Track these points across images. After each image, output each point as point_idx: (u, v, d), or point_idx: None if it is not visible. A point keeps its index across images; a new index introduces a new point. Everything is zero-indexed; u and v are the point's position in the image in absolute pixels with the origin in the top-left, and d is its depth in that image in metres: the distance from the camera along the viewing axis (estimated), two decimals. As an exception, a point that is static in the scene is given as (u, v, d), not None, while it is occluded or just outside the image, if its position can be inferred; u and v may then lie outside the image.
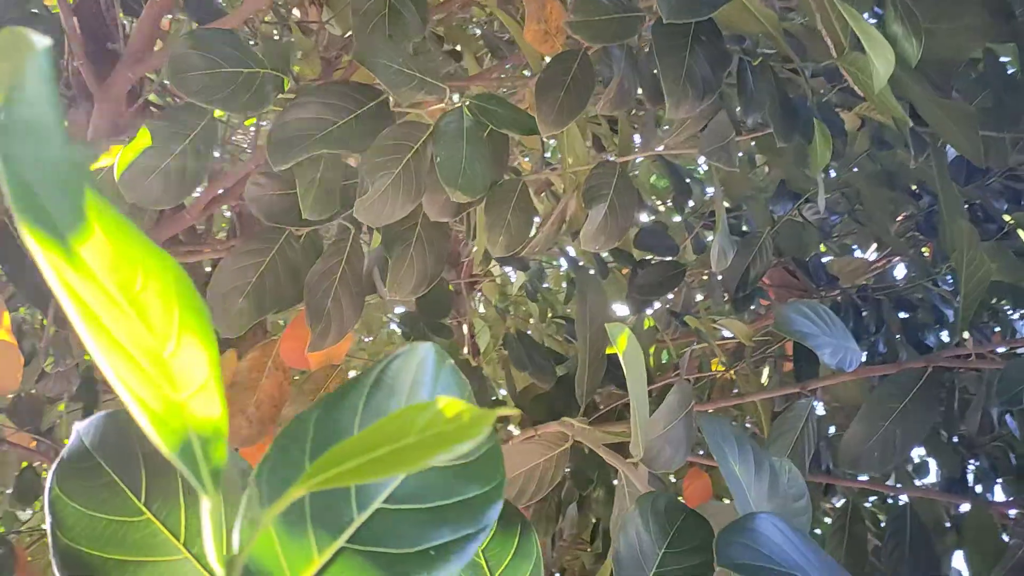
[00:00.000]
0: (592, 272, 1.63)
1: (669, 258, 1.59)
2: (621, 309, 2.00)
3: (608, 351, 1.15)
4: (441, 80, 0.84)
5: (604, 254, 1.71)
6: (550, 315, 2.64)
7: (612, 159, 0.99)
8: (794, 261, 1.29)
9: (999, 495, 1.46)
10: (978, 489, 1.36)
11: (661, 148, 0.97)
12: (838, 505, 1.17)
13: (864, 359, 1.22)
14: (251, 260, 1.09)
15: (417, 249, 1.03)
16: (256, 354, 1.29)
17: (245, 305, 1.08)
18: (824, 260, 1.37)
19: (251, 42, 1.18)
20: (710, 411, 1.31)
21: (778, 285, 1.42)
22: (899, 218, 1.59)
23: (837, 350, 0.83)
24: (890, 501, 1.55)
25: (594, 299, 1.10)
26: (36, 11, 1.01)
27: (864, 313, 1.20)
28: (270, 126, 0.86)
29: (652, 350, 1.67)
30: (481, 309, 2.57)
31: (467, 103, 0.85)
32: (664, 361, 1.92)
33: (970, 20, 0.74)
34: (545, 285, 2.54)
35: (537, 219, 1.08)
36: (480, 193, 0.79)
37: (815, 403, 0.94)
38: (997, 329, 1.30)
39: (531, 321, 2.53)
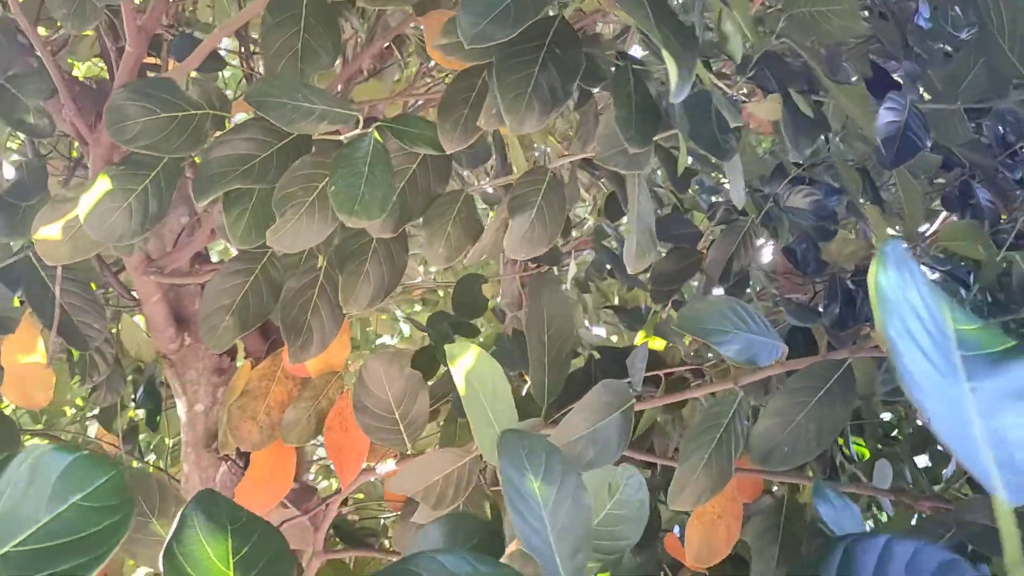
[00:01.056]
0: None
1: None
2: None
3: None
4: (348, 107, 0.89)
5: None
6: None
7: (547, 166, 1.00)
8: (784, 249, 1.23)
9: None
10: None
11: (591, 152, 0.97)
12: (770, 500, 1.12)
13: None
14: (236, 280, 1.19)
15: (373, 263, 1.08)
16: (267, 363, 1.39)
17: (230, 322, 1.17)
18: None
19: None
20: (659, 407, 1.28)
21: (783, 273, 1.37)
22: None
23: (748, 346, 0.80)
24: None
25: (551, 298, 1.11)
26: (36, 65, 1.13)
27: (857, 299, 1.13)
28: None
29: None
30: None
31: (376, 126, 0.89)
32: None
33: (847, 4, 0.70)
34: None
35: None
36: (378, 216, 0.83)
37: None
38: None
39: (584, 313, 2.53)
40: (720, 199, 1.67)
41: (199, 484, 1.54)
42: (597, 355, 1.37)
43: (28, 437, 1.80)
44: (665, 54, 0.59)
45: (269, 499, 1.36)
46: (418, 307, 3.12)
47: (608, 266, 1.98)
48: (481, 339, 2.11)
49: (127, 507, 0.37)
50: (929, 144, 0.91)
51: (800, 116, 1.00)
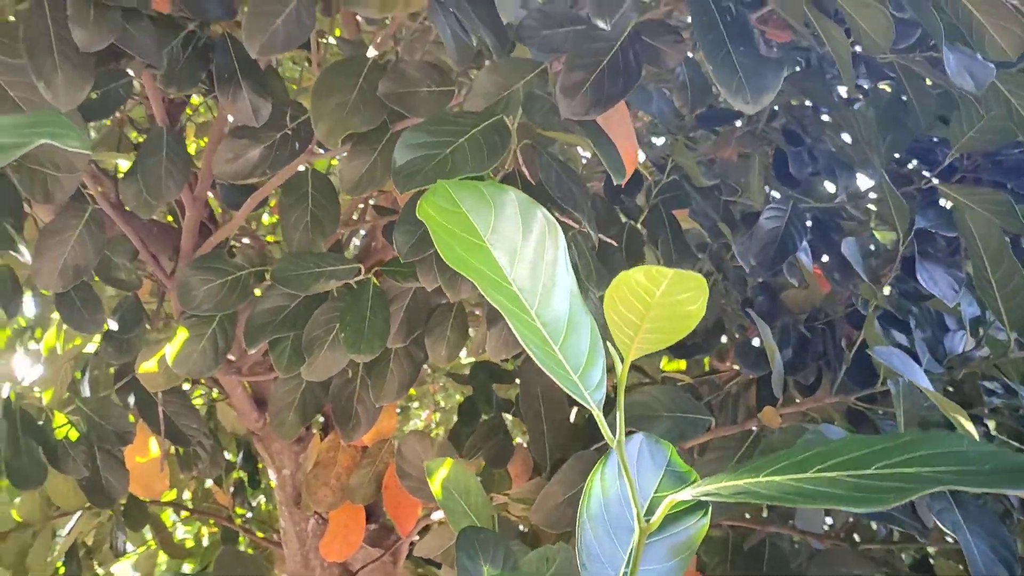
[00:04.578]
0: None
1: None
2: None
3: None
4: (350, 262, 1.14)
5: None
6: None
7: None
8: (743, 301, 1.39)
9: None
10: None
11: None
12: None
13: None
14: (294, 382, 1.47)
15: (395, 363, 1.34)
16: (332, 436, 1.68)
17: (293, 418, 1.46)
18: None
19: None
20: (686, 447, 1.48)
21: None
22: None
23: (676, 425, 1.01)
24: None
25: (541, 378, 1.35)
26: (111, 237, 1.44)
27: (810, 345, 1.29)
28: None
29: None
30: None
31: (374, 272, 1.15)
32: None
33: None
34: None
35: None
36: (379, 349, 1.08)
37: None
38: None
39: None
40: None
41: (293, 536, 1.85)
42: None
43: (161, 510, 2.16)
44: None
45: (347, 548, 1.65)
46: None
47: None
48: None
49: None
50: (804, 243, 1.08)
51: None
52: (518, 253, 0.53)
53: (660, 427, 1.01)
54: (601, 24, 0.61)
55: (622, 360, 0.52)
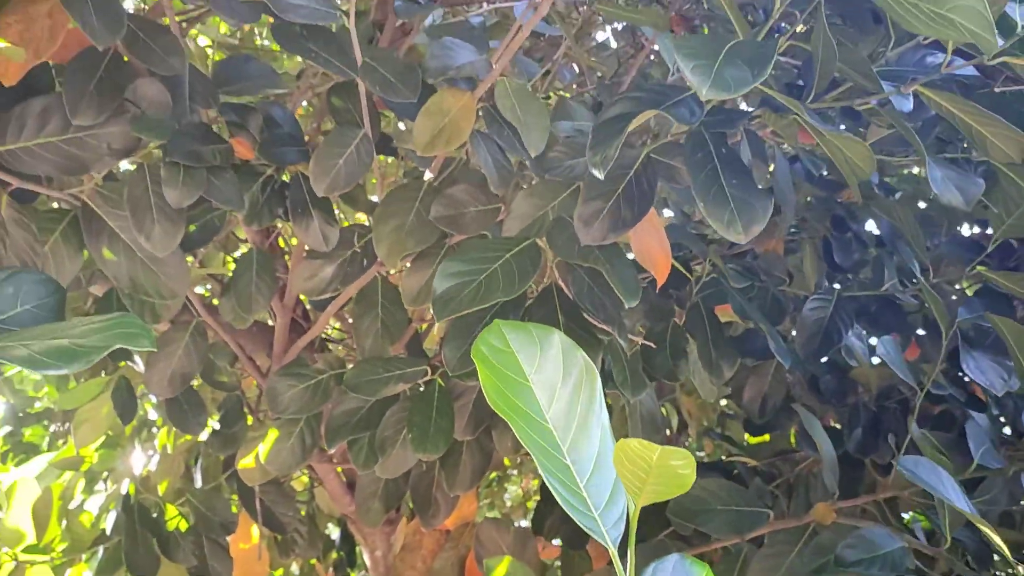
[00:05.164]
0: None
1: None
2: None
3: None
4: (418, 363, 1.23)
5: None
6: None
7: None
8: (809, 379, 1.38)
9: None
10: None
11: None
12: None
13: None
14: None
15: (467, 454, 1.41)
16: (416, 521, 1.76)
17: (378, 506, 1.55)
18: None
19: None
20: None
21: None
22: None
23: (735, 519, 1.03)
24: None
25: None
26: (213, 342, 1.59)
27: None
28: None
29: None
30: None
31: (440, 373, 1.23)
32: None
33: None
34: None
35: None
36: (444, 448, 1.15)
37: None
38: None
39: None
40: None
41: (387, 615, 1.92)
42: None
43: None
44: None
45: (435, 629, 1.70)
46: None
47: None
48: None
49: None
50: (849, 334, 1.08)
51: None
52: (557, 392, 0.58)
53: (716, 521, 1.02)
54: (596, 173, 0.68)
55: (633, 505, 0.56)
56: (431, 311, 1.79)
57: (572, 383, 0.58)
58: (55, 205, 1.17)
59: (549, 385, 0.58)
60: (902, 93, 0.73)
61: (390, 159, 2.10)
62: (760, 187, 0.72)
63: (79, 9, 0.84)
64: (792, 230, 1.31)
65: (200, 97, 1.07)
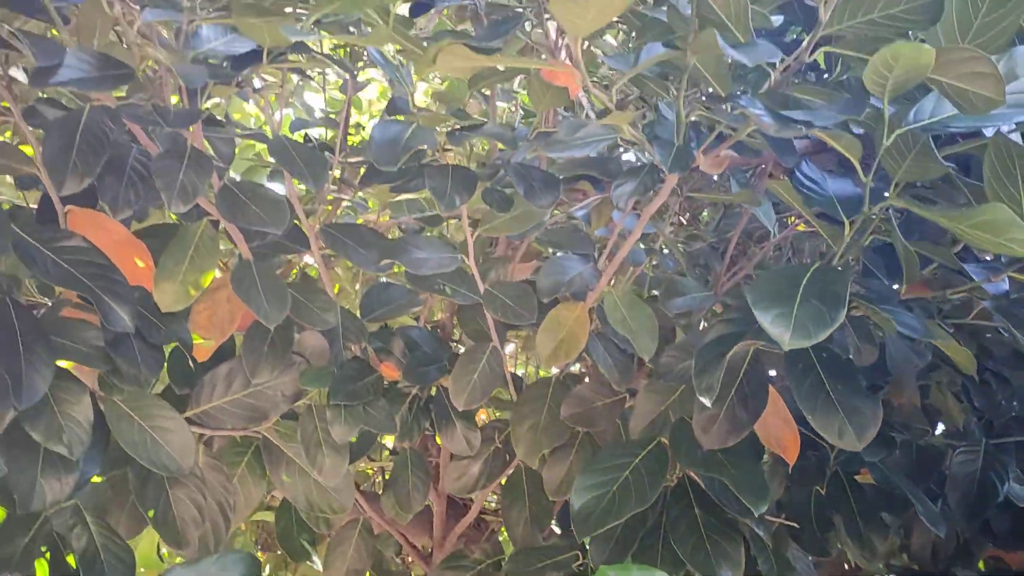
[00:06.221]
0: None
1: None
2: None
3: None
4: (571, 550, 1.28)
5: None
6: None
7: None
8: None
9: None
10: None
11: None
12: None
13: None
14: None
15: None
16: None
17: None
18: None
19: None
20: None
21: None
22: None
23: None
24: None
25: None
26: (379, 533, 1.70)
27: None
28: None
29: None
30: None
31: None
32: None
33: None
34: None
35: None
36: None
37: None
38: None
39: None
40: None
41: None
42: None
43: None
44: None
45: None
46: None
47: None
48: None
49: None
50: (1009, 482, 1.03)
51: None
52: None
53: None
54: (705, 401, 0.74)
55: None
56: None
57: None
58: (237, 438, 1.36)
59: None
60: (992, 282, 0.76)
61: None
62: (865, 386, 0.75)
63: (254, 298, 1.02)
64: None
65: (352, 335, 1.23)
